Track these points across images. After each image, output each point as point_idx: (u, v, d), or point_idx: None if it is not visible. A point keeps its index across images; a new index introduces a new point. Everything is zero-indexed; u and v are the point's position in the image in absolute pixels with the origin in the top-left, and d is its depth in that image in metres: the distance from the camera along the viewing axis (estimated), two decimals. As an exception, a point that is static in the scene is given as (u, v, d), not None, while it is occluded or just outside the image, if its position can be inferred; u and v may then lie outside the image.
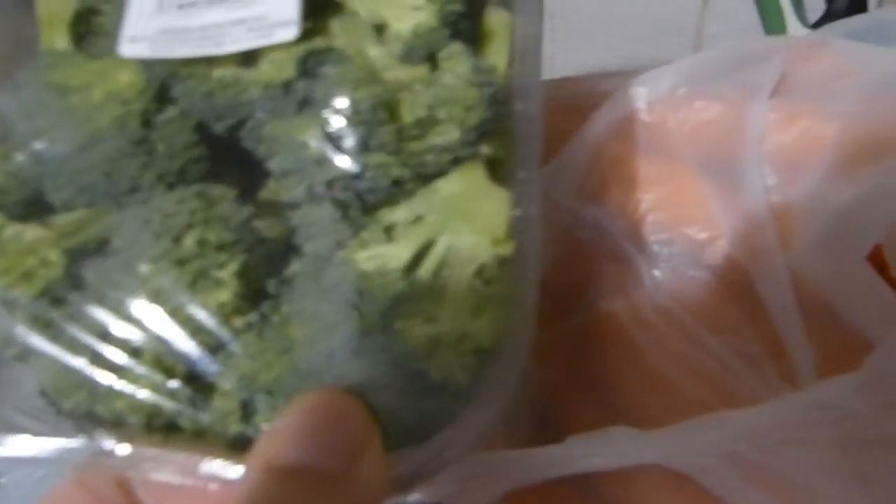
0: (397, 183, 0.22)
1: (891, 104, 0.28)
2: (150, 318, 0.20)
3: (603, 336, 0.30)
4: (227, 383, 0.20)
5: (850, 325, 0.27)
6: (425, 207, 0.22)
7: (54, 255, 0.21)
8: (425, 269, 0.21)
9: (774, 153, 0.29)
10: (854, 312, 0.27)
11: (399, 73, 0.23)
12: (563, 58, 0.65)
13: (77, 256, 0.21)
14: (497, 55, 0.25)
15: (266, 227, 0.22)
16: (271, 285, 0.22)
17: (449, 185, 0.22)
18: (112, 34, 0.24)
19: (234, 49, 0.23)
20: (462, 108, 0.22)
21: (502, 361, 0.21)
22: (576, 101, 0.34)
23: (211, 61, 0.23)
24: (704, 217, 0.30)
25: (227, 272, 0.20)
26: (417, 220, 0.22)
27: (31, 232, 0.21)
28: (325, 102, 0.22)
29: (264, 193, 0.24)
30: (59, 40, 0.24)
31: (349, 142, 0.22)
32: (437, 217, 0.22)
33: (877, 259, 0.28)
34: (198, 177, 0.23)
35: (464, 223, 0.22)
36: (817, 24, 0.54)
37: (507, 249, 0.22)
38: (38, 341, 0.21)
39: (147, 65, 0.23)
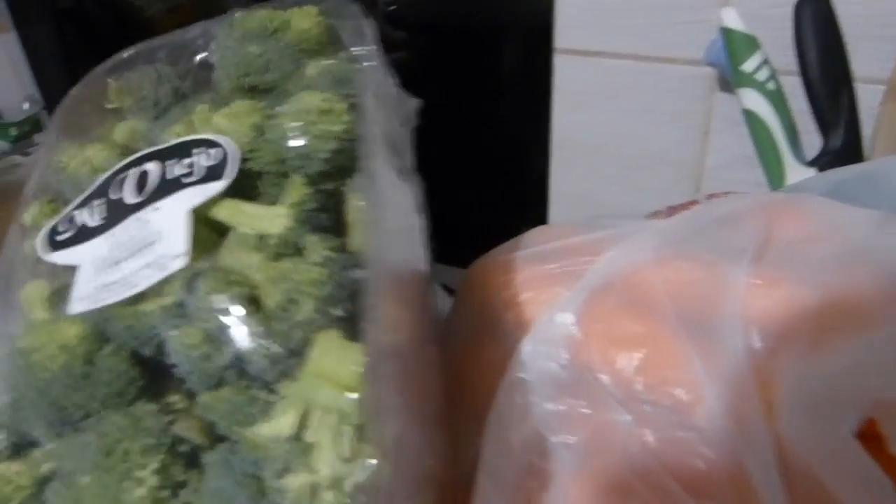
0: (275, 360, 0.26)
1: (864, 274, 0.28)
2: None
3: (583, 499, 0.30)
4: None
5: (837, 499, 0.27)
6: (301, 378, 0.27)
7: (26, 481, 0.27)
8: (309, 433, 0.25)
9: (757, 319, 0.29)
10: (840, 488, 0.26)
11: (272, 270, 0.28)
12: (567, 186, 0.66)
13: (45, 481, 0.27)
14: (357, 237, 0.31)
15: (186, 428, 0.27)
16: (192, 476, 0.26)
17: (313, 353, 0.27)
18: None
19: (146, 286, 0.29)
20: (314, 286, 0.27)
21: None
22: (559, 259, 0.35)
23: (134, 300, 0.29)
24: (689, 379, 0.30)
25: (147, 472, 0.25)
26: (297, 390, 0.26)
27: (13, 466, 0.27)
28: (206, 310, 0.27)
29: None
30: (38, 312, 0.32)
31: (226, 337, 0.27)
32: (308, 383, 0.26)
33: (871, 434, 0.27)
34: (134, 395, 0.28)
35: (324, 382, 0.26)
36: (813, 162, 0.55)
37: (359, 392, 0.25)
38: None
39: (89, 316, 0.29)
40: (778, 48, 0.54)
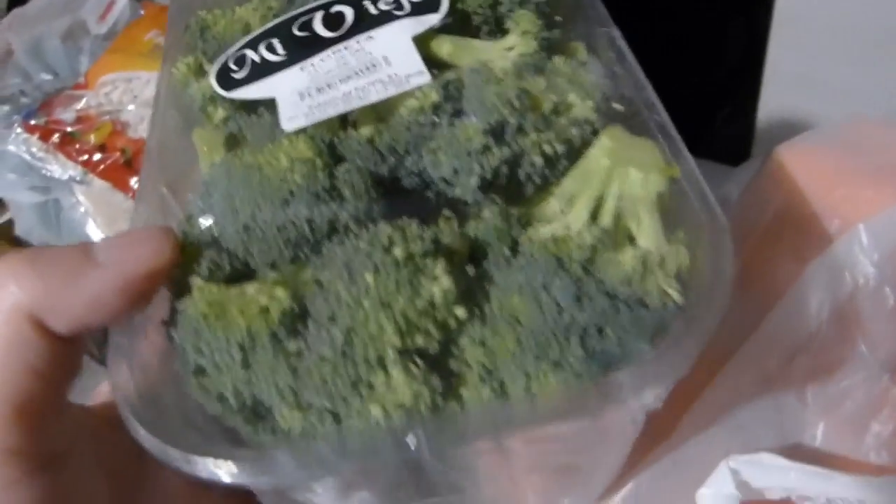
0: (551, 160, 0.25)
1: None
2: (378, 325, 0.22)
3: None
4: (468, 373, 0.22)
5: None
6: (584, 173, 0.25)
7: (280, 292, 0.23)
8: (605, 219, 0.24)
9: None
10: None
11: (534, 81, 0.26)
12: (787, 66, 0.60)
13: (295, 299, 0.23)
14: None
15: (450, 240, 0.24)
16: (475, 284, 0.23)
17: (600, 146, 0.25)
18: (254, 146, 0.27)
19: (379, 98, 0.27)
20: (587, 85, 0.26)
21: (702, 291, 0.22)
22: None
23: (371, 115, 0.27)
24: None
25: (439, 269, 0.22)
26: (582, 185, 0.25)
27: (250, 286, 0.23)
28: (476, 106, 0.26)
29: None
30: (219, 152, 0.29)
31: (507, 129, 0.25)
32: (600, 173, 0.25)
33: None
34: (381, 216, 0.25)
35: (628, 166, 0.24)
36: None
37: (676, 172, 0.24)
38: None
39: (312, 136, 0.26)
40: None
